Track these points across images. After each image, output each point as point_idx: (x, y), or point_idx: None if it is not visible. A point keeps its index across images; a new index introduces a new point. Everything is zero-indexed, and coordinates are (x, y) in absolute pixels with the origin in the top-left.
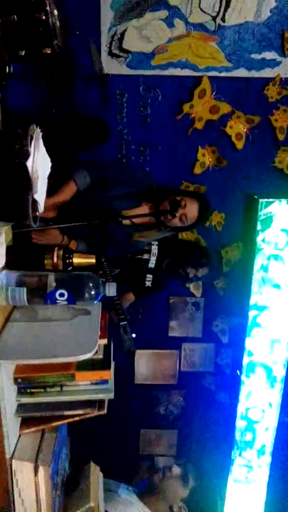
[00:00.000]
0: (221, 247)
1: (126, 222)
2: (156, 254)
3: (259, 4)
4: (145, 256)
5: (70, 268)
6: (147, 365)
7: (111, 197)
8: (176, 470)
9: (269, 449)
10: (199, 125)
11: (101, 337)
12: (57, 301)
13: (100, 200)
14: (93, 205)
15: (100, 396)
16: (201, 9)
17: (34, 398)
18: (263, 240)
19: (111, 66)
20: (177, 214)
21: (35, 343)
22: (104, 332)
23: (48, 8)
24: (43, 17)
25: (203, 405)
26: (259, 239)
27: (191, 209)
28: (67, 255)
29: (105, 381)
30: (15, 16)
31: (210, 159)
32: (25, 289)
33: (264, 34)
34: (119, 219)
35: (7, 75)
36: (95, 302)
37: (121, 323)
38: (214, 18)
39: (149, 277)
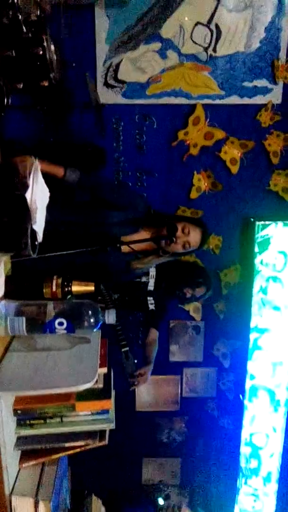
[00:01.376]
0: (220, 270)
1: (125, 249)
2: (155, 276)
3: (249, 35)
4: (144, 279)
5: (69, 296)
6: (148, 391)
7: (109, 224)
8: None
9: (275, 476)
10: (194, 151)
11: (101, 365)
12: (56, 330)
13: (98, 226)
14: (91, 232)
15: (101, 426)
16: (193, 41)
17: (34, 430)
18: (261, 262)
19: (107, 96)
20: (174, 239)
21: (34, 374)
22: (104, 360)
23: (45, 43)
24: (41, 52)
25: (206, 431)
26: (257, 261)
27: (195, 236)
28: (66, 283)
29: (105, 411)
30: (13, 52)
31: (205, 184)
32: (24, 318)
33: (255, 63)
34: (118, 245)
35: (6, 106)
36: (95, 330)
37: (123, 349)
38: (206, 49)
39: (151, 299)
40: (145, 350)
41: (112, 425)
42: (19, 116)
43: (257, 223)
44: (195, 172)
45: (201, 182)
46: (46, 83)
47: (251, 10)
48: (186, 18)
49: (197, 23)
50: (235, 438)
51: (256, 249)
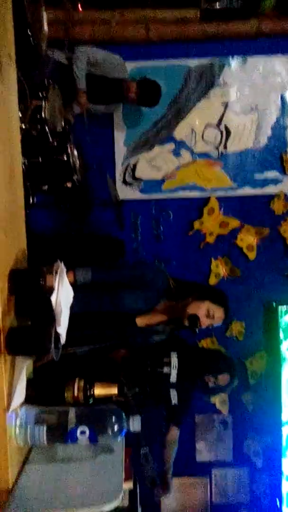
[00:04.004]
0: (245, 358)
1: (142, 324)
2: (177, 367)
3: (257, 134)
4: (165, 370)
5: (91, 400)
6: (174, 496)
7: (128, 305)
8: None
9: None
10: (210, 239)
11: (125, 479)
12: (78, 440)
13: (116, 308)
14: (109, 315)
15: None
16: (205, 141)
17: None
18: None
19: (126, 193)
20: (197, 330)
21: (53, 491)
22: (128, 472)
23: (69, 150)
24: (65, 158)
25: None
26: (283, 348)
27: (218, 316)
28: (88, 386)
29: None
30: (40, 158)
31: (224, 270)
32: (44, 427)
33: (264, 157)
34: (144, 335)
35: (31, 205)
36: (119, 438)
37: (142, 451)
38: (217, 147)
39: (173, 392)
40: (164, 452)
41: None
42: (43, 213)
43: (280, 307)
44: (212, 259)
45: (219, 268)
46: (69, 185)
47: (256, 112)
48: (197, 122)
49: (208, 125)
50: None
51: (281, 335)
